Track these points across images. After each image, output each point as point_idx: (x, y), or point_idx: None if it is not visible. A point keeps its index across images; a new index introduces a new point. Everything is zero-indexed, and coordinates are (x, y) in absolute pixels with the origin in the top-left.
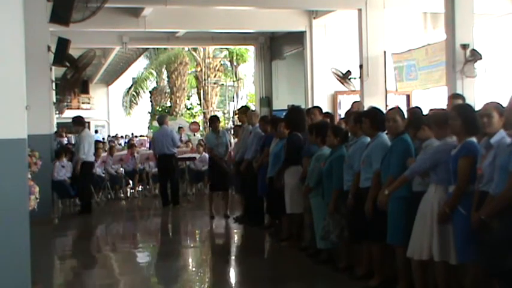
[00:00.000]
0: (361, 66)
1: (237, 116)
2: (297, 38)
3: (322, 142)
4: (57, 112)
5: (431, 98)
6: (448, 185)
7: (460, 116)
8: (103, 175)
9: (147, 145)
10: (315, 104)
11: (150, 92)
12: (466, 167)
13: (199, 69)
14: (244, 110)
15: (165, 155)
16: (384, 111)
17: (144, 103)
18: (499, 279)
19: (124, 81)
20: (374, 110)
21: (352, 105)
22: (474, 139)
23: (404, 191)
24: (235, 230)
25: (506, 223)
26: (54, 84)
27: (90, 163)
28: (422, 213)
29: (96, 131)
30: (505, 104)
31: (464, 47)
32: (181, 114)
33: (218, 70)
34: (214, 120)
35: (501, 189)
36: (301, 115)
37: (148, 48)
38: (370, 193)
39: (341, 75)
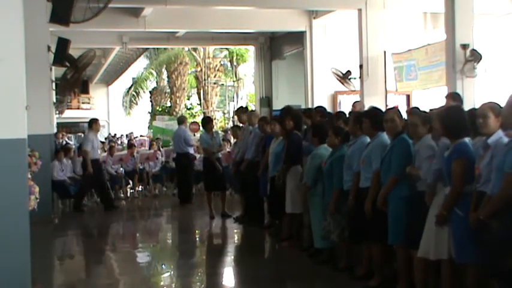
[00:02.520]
0: (361, 66)
1: (236, 116)
2: (297, 38)
3: (319, 142)
4: (57, 112)
5: (431, 98)
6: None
7: (440, 121)
8: None
9: (147, 145)
10: (315, 104)
11: (150, 92)
12: (460, 170)
13: (199, 69)
14: (243, 110)
15: (178, 153)
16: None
17: (144, 103)
18: (499, 279)
19: (124, 81)
20: (374, 110)
21: (353, 104)
22: (467, 140)
23: (405, 190)
24: (235, 230)
25: (505, 223)
26: (54, 84)
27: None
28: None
29: None
30: (503, 104)
31: (464, 47)
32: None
33: (218, 70)
34: (208, 121)
35: (498, 190)
36: (300, 115)
37: (148, 48)
38: (370, 193)
39: (341, 75)
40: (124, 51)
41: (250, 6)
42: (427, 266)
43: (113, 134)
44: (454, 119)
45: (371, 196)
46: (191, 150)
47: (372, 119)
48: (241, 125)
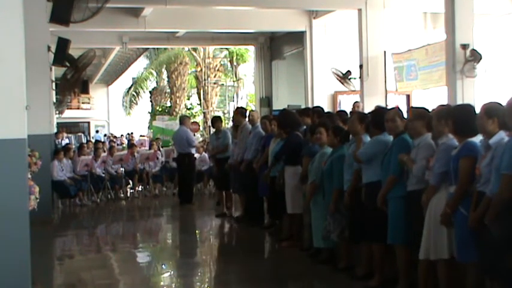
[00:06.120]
0: (361, 66)
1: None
2: (297, 38)
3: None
4: (57, 112)
5: (431, 98)
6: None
7: (451, 117)
8: (103, 175)
9: (147, 145)
10: (315, 104)
11: (150, 92)
12: (467, 168)
13: (199, 69)
14: (241, 111)
15: (179, 154)
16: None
17: (144, 103)
18: (499, 280)
19: (124, 81)
20: (378, 110)
21: (354, 104)
22: (475, 139)
23: (404, 190)
24: (235, 230)
25: (505, 224)
26: (54, 84)
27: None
28: (437, 213)
29: (97, 131)
30: (503, 103)
31: (464, 47)
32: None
33: (218, 70)
34: (214, 120)
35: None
36: (291, 116)
37: (148, 48)
38: (351, 184)
39: (341, 75)
40: (124, 51)
41: (250, 6)
42: (429, 266)
43: (111, 134)
44: (467, 117)
45: (352, 188)
46: (193, 151)
47: (373, 119)
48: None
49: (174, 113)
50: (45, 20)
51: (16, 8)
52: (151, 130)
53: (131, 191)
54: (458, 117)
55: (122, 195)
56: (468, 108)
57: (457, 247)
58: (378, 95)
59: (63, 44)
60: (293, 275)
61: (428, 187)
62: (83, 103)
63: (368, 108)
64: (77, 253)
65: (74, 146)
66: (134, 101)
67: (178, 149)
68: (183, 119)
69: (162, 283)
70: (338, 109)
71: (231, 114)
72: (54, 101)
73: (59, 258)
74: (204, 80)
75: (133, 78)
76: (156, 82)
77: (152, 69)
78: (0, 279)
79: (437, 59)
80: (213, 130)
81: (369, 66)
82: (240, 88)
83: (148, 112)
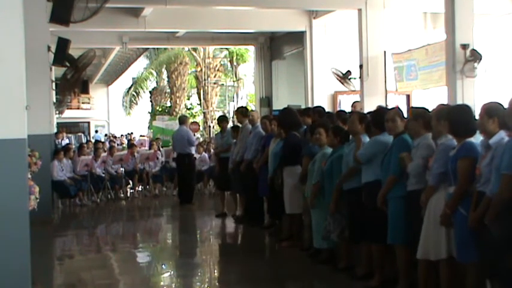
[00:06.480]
0: (361, 66)
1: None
2: (297, 38)
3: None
4: (57, 112)
5: (431, 98)
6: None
7: (448, 118)
8: (103, 175)
9: (147, 145)
10: (315, 104)
11: (150, 92)
12: (466, 168)
13: (199, 69)
14: (242, 111)
15: (180, 154)
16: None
17: (144, 103)
18: (499, 280)
19: (124, 81)
20: (379, 110)
21: (353, 104)
22: (473, 139)
23: (404, 190)
24: (235, 230)
25: (505, 224)
26: (54, 84)
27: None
28: (436, 213)
29: (96, 131)
30: (503, 103)
31: (464, 47)
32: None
33: (218, 70)
34: (220, 120)
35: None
36: (292, 115)
37: (148, 48)
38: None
39: (341, 75)
40: (124, 51)
41: (250, 6)
42: (429, 266)
43: (111, 134)
44: (462, 118)
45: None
46: (193, 151)
47: (373, 119)
48: (240, 125)
49: (174, 113)
50: (45, 20)
51: (16, 8)
52: (151, 130)
53: (131, 191)
54: (455, 118)
55: (122, 195)
56: (464, 108)
57: (457, 247)
58: (378, 95)
59: (63, 44)
60: (293, 275)
61: (427, 187)
62: (83, 103)
63: (368, 108)
64: (77, 253)
65: (74, 146)
66: (134, 101)
67: (177, 149)
68: (183, 119)
69: (162, 283)
70: (338, 109)
71: (231, 114)
72: (54, 101)
73: (59, 258)
74: (204, 80)
75: (133, 78)
76: (156, 82)
77: (152, 69)
78: (0, 279)
79: (437, 59)
80: (214, 130)
81: (369, 66)
82: (240, 88)
83: (148, 112)
